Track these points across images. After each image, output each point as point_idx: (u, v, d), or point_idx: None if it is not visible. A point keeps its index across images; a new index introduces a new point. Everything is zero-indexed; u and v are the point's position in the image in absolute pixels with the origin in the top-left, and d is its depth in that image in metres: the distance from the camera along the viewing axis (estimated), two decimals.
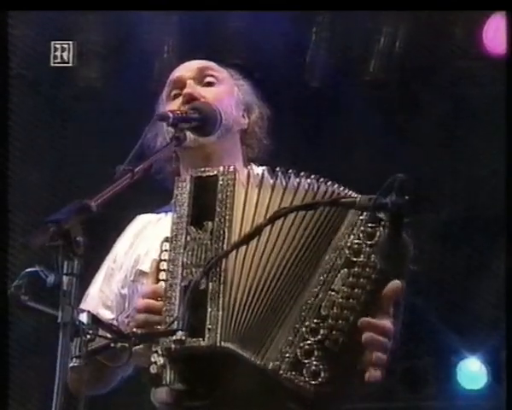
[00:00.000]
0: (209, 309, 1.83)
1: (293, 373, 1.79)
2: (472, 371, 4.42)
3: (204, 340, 1.82)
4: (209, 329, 1.82)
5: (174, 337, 1.83)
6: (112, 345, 1.81)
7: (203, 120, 2.11)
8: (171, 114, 2.05)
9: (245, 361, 1.82)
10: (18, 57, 4.03)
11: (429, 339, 4.27)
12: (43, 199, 4.22)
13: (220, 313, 1.83)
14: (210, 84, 2.25)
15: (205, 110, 2.13)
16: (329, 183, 1.93)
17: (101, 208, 1.73)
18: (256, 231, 1.87)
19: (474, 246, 4.34)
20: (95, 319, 1.72)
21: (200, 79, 2.25)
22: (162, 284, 1.92)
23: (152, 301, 1.91)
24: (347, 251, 1.84)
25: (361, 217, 1.86)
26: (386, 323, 1.81)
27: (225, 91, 2.25)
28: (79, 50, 4.10)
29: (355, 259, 1.84)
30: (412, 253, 1.78)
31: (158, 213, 2.25)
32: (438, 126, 4.36)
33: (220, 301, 1.84)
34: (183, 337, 1.83)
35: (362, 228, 1.86)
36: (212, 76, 2.26)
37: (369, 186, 1.90)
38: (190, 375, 1.87)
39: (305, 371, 1.79)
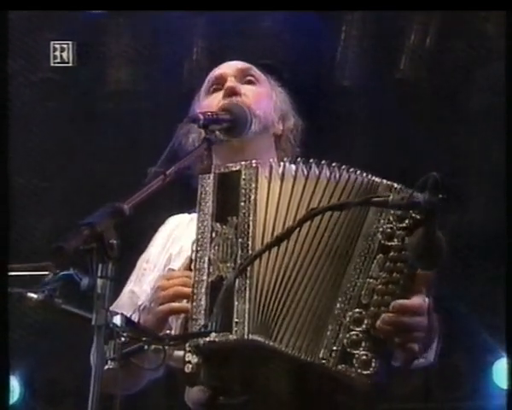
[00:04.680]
0: (236, 303, 1.84)
1: (344, 365, 1.80)
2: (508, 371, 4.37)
3: (232, 334, 1.82)
4: (236, 322, 1.83)
5: (208, 339, 1.83)
6: (145, 347, 1.81)
7: (234, 121, 2.11)
8: (201, 116, 2.05)
9: (279, 354, 1.82)
10: (18, 57, 4.06)
11: (464, 338, 4.23)
12: (43, 200, 4.25)
13: (247, 306, 1.84)
14: (250, 83, 2.30)
15: (235, 111, 2.14)
16: (351, 169, 1.93)
17: (133, 211, 1.74)
18: (288, 233, 1.87)
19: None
20: (129, 322, 1.72)
21: (242, 77, 2.29)
22: (190, 273, 1.93)
23: (177, 285, 1.93)
24: (380, 236, 1.85)
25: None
26: (418, 300, 1.82)
27: (265, 93, 2.30)
28: (108, 53, 4.14)
29: (389, 243, 1.85)
30: (446, 250, 1.77)
31: (189, 213, 2.25)
32: (470, 125, 4.33)
33: (247, 295, 1.85)
34: (217, 339, 1.83)
35: (391, 211, 1.86)
36: (252, 76, 2.31)
37: (399, 184, 1.90)
38: (225, 372, 1.88)
39: (355, 362, 1.80)
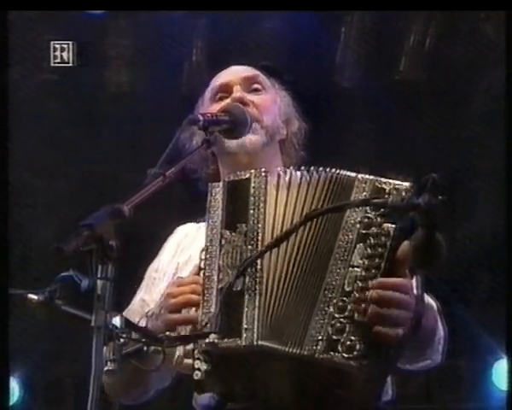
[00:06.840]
0: (245, 309, 1.85)
1: (330, 353, 1.80)
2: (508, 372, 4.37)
3: (241, 340, 1.83)
4: (246, 328, 1.84)
5: (207, 340, 1.84)
6: (145, 348, 1.81)
7: (234, 122, 2.12)
8: (201, 117, 2.06)
9: (284, 357, 1.83)
10: (18, 57, 4.06)
11: (464, 339, 4.23)
12: (43, 200, 4.25)
13: (256, 311, 1.85)
14: (256, 91, 2.30)
15: (235, 113, 2.14)
16: (342, 171, 1.96)
17: (133, 212, 1.74)
18: (290, 232, 1.90)
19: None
20: (128, 323, 1.72)
21: (248, 85, 2.29)
22: (199, 280, 1.93)
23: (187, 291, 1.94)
24: (358, 226, 1.88)
25: (363, 193, 1.90)
26: (400, 279, 1.83)
27: (270, 99, 2.30)
28: (108, 53, 4.14)
29: (367, 231, 1.87)
30: (445, 252, 1.77)
31: (197, 222, 2.26)
32: (469, 126, 4.33)
33: (256, 300, 1.86)
34: (216, 340, 1.84)
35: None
36: (259, 83, 2.31)
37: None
38: (233, 378, 1.88)
39: (340, 348, 1.80)
